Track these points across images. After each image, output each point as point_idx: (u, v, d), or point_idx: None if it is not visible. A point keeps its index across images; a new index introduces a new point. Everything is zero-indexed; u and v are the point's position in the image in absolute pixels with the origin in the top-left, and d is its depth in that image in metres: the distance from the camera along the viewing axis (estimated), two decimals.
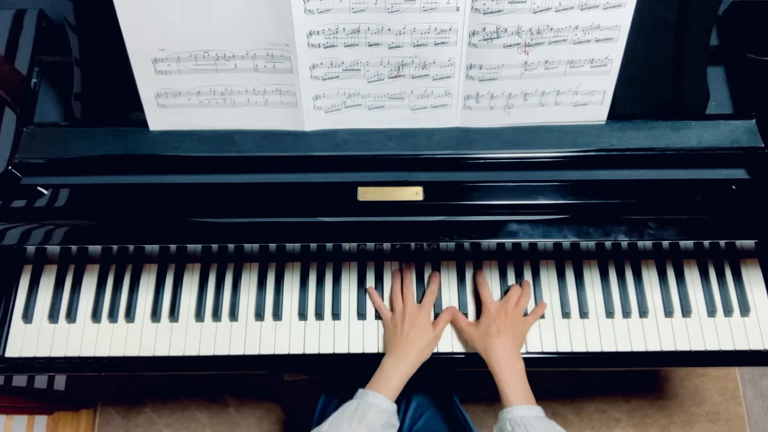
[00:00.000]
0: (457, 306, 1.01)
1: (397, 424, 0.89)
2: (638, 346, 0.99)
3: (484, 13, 0.78)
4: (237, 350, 1.00)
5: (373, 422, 0.84)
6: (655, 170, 0.90)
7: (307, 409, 0.89)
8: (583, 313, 1.01)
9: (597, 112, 0.88)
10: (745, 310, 1.00)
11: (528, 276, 1.03)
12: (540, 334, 1.00)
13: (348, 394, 0.90)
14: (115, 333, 1.01)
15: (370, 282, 1.03)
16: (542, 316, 1.01)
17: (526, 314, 0.99)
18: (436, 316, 1.00)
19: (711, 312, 1.00)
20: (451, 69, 0.83)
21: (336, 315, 1.01)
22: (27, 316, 1.01)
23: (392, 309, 0.99)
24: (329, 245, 1.02)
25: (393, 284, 1.02)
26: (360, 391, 0.90)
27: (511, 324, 0.94)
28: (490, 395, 1.72)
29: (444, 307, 1.01)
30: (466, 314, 1.01)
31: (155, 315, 1.01)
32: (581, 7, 0.78)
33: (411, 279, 1.01)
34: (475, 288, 1.02)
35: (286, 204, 0.89)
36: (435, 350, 0.99)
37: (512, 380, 0.88)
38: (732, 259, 1.03)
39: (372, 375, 0.93)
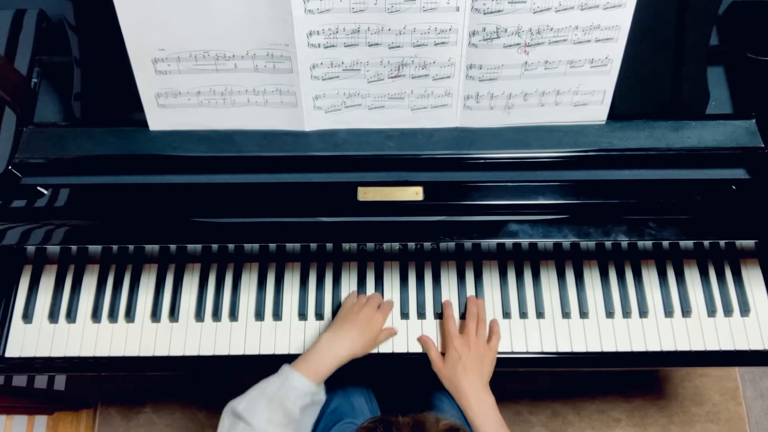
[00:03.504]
0: (457, 306, 1.01)
1: (323, 399, 0.88)
2: (638, 346, 0.99)
3: (484, 13, 0.78)
4: (237, 350, 1.00)
5: (292, 408, 0.81)
6: (656, 170, 0.90)
7: None
8: (583, 313, 1.01)
9: (597, 112, 0.88)
10: (745, 310, 1.00)
11: (528, 276, 1.03)
12: (540, 334, 1.00)
13: (351, 390, 0.88)
14: (115, 333, 1.01)
15: (371, 282, 1.03)
16: (542, 316, 1.01)
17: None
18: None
19: (711, 312, 1.00)
20: (451, 69, 0.83)
21: (336, 315, 1.01)
22: (27, 316, 1.01)
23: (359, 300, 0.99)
24: (329, 245, 1.02)
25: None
26: (285, 368, 0.87)
27: (476, 357, 0.93)
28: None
29: (443, 306, 1.00)
30: (464, 315, 1.01)
31: (155, 315, 1.01)
32: (581, 7, 0.78)
33: (377, 295, 1.01)
34: (475, 286, 1.02)
35: (286, 204, 0.89)
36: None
37: (484, 416, 0.88)
38: (732, 259, 1.03)
39: (369, 375, 0.92)
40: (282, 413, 0.81)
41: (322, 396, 0.88)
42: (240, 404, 0.81)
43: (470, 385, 0.90)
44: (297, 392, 0.83)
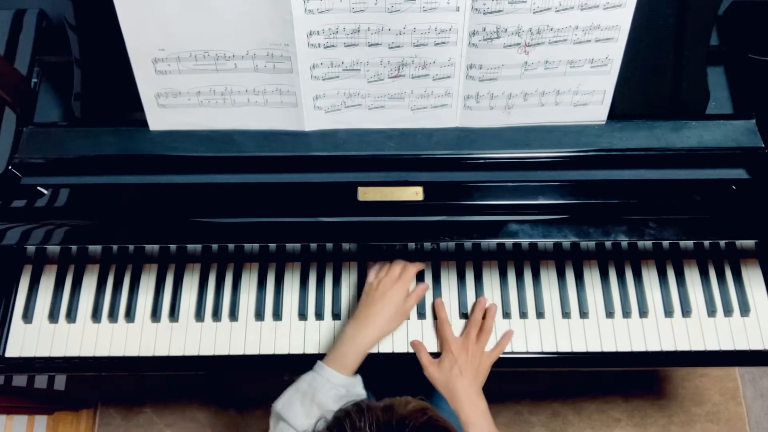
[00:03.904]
0: (457, 306, 1.01)
1: (362, 393, 0.88)
2: (638, 346, 0.99)
3: (484, 13, 0.78)
4: (237, 350, 1.00)
5: (325, 400, 0.82)
6: (656, 170, 0.90)
7: None
8: (583, 313, 1.01)
9: (597, 112, 0.88)
10: (745, 310, 1.00)
11: (528, 276, 1.03)
12: (540, 334, 1.00)
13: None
14: (115, 333, 1.01)
15: None
16: (542, 316, 1.01)
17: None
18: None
19: (711, 312, 1.00)
20: (451, 69, 0.83)
21: (336, 315, 1.01)
22: (27, 316, 1.01)
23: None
24: (329, 245, 1.02)
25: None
26: (318, 363, 0.88)
27: (473, 361, 0.93)
28: (490, 395, 1.72)
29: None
30: (465, 314, 1.01)
31: (155, 315, 1.01)
32: (581, 7, 0.78)
33: (401, 262, 0.98)
34: (475, 286, 1.02)
35: (286, 204, 0.89)
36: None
37: (476, 421, 0.88)
38: (732, 259, 1.03)
39: (371, 375, 0.92)
40: (317, 408, 0.81)
41: (359, 390, 0.88)
42: (278, 403, 0.84)
43: (464, 389, 0.90)
44: (329, 385, 0.84)
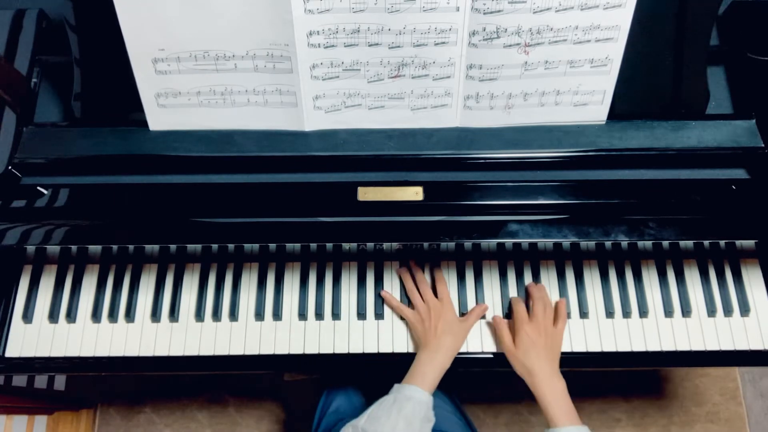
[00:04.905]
0: (457, 306, 1.01)
1: (434, 419, 0.89)
2: (638, 346, 0.99)
3: (484, 13, 0.78)
4: (237, 350, 1.00)
5: (412, 414, 0.84)
6: (655, 170, 0.90)
7: (307, 409, 0.90)
8: (583, 313, 1.01)
9: (597, 112, 0.88)
10: (745, 310, 1.00)
11: (528, 276, 1.03)
12: None
13: (352, 390, 0.89)
14: (115, 333, 1.01)
15: (370, 282, 1.03)
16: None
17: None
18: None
19: (711, 312, 1.00)
20: (451, 69, 0.83)
21: (336, 315, 1.01)
22: (27, 316, 1.01)
23: (411, 306, 1.00)
24: (329, 245, 1.02)
25: (405, 283, 1.02)
26: (396, 386, 0.90)
27: (547, 340, 0.94)
28: (490, 396, 1.72)
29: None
30: (464, 314, 1.01)
31: (155, 315, 1.01)
32: (581, 7, 0.78)
33: (423, 275, 1.02)
34: (475, 286, 1.02)
35: (286, 204, 0.89)
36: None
37: (556, 400, 0.89)
38: (732, 259, 1.03)
39: (372, 374, 0.92)
40: (403, 422, 0.83)
41: (432, 415, 0.89)
42: (361, 420, 0.85)
43: (542, 370, 0.91)
44: (413, 401, 0.86)
